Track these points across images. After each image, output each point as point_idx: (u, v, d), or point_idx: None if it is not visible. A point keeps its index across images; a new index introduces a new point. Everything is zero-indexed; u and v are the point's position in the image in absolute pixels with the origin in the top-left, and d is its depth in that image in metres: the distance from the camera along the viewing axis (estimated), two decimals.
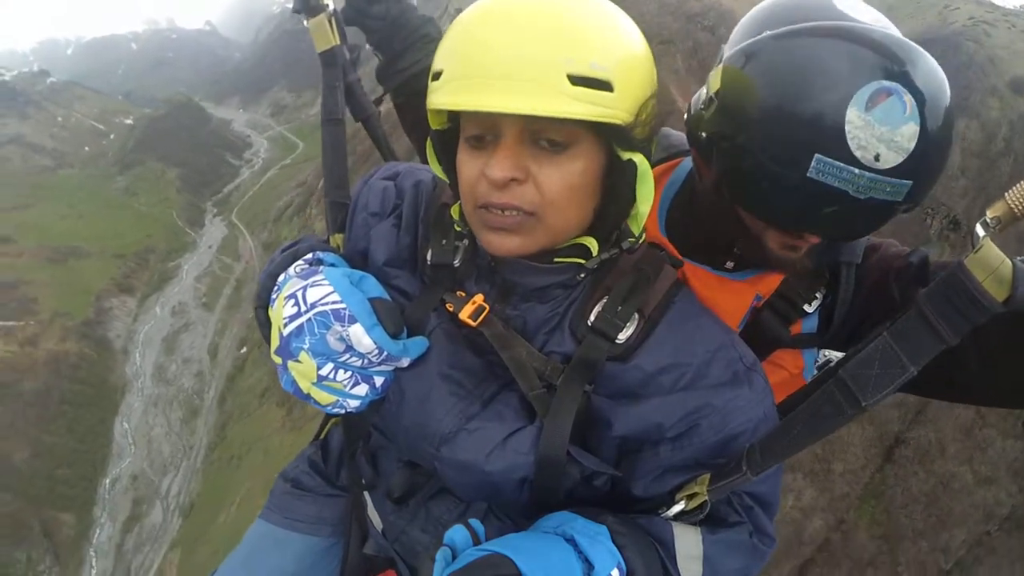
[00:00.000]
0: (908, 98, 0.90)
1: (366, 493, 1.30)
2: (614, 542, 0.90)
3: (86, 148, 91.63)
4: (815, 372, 1.33)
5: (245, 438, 42.50)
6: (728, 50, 1.09)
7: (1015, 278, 0.68)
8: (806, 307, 1.26)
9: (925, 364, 0.91)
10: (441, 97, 0.92)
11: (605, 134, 0.94)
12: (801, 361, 1.32)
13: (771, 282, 1.28)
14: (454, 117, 1.02)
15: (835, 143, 0.91)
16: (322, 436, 1.50)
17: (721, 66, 1.07)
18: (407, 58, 1.53)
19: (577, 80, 0.84)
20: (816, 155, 0.92)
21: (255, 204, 74.64)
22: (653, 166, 1.36)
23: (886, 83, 0.90)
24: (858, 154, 0.90)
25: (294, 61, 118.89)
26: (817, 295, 1.26)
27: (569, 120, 0.88)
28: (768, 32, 1.02)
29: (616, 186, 0.98)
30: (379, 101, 1.55)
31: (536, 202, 0.93)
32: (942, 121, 0.93)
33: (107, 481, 45.05)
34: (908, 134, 0.90)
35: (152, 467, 45.92)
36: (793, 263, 1.17)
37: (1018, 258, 0.70)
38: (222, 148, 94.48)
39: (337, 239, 1.27)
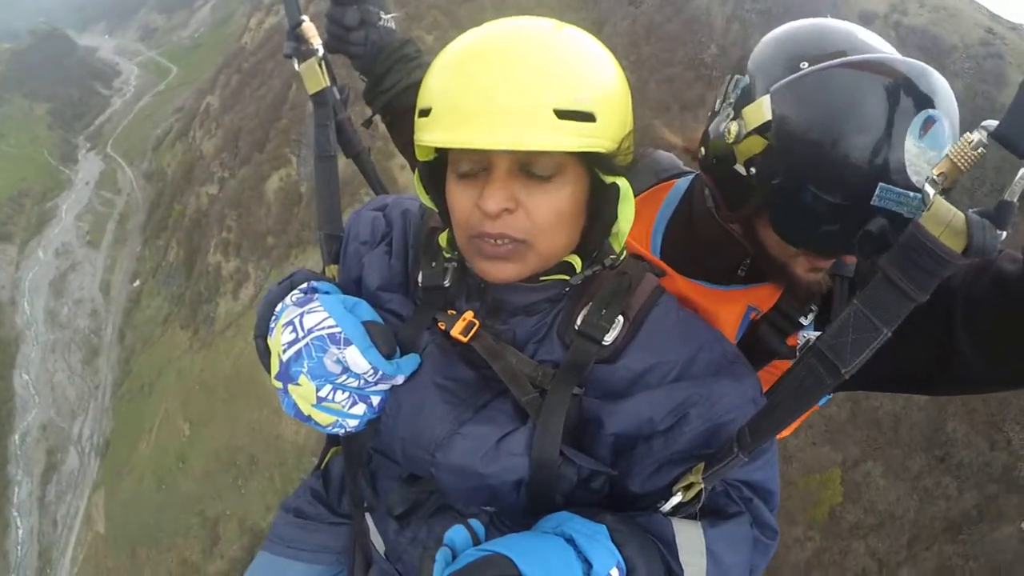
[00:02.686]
0: (946, 122, 1.00)
1: (368, 517, 1.32)
2: (613, 540, 0.91)
3: None
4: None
5: (153, 365, 41.98)
6: (761, 82, 1.11)
7: (969, 227, 0.70)
8: (802, 320, 1.30)
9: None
10: (432, 135, 0.95)
11: (589, 161, 0.99)
12: None
13: (765, 294, 1.32)
14: (442, 149, 1.05)
15: (897, 171, 0.98)
16: (323, 466, 1.53)
17: (766, 102, 1.07)
18: (390, 79, 1.56)
19: (563, 114, 0.89)
20: (880, 184, 0.98)
21: (131, 134, 69.65)
22: (646, 190, 1.49)
23: (931, 111, 0.99)
24: (914, 179, 0.98)
25: None
26: (812, 308, 1.29)
27: (558, 151, 0.94)
28: (809, 66, 1.05)
29: (600, 208, 1.04)
30: (369, 122, 1.62)
31: (528, 229, 0.98)
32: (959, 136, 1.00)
33: (16, 437, 43.65)
34: None
35: (60, 414, 44.63)
36: (816, 284, 1.23)
37: (970, 209, 0.73)
38: (91, 78, 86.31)
39: (332, 270, 1.33)
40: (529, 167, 0.95)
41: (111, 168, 66.46)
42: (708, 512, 1.01)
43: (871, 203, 0.99)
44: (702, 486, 0.97)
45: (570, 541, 0.89)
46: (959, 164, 0.73)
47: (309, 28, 1.43)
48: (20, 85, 79.28)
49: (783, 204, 1.09)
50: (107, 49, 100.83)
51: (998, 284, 1.03)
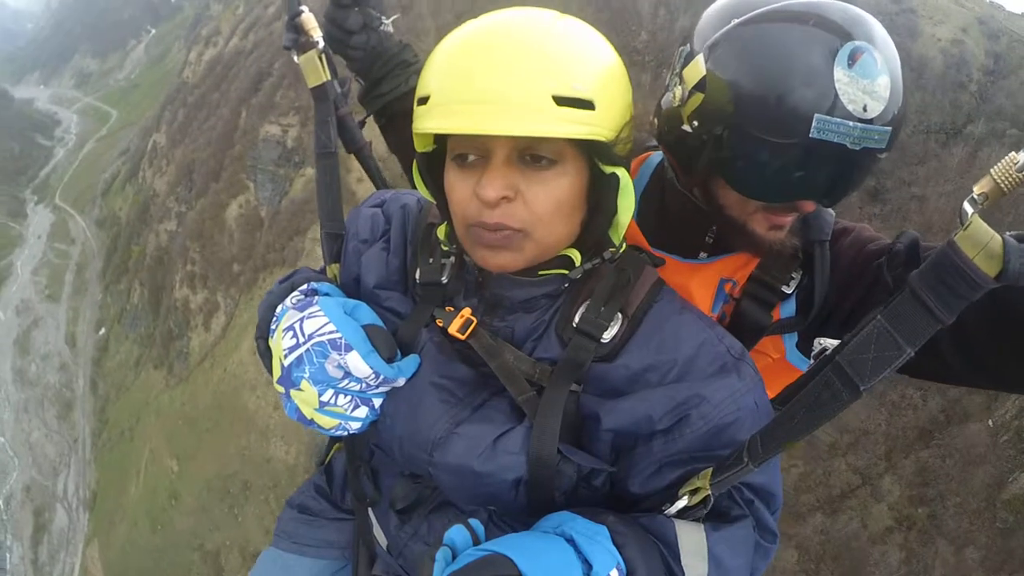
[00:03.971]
0: (877, 54, 1.02)
1: (371, 511, 1.32)
2: (614, 542, 0.89)
3: None
4: (798, 354, 1.37)
5: (131, 410, 41.37)
6: (698, 45, 1.14)
7: (1006, 252, 0.68)
8: (784, 288, 1.28)
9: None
10: (431, 122, 0.95)
11: (589, 150, 0.98)
12: (782, 345, 1.35)
13: (737, 264, 1.32)
14: (440, 139, 1.05)
15: (830, 101, 1.00)
16: (326, 462, 1.53)
17: (700, 59, 1.11)
18: (387, 84, 1.57)
19: (561, 101, 0.89)
20: (816, 115, 1.00)
21: (78, 182, 68.76)
22: None
23: (857, 43, 1.01)
24: (850, 107, 1.00)
25: (94, 23, 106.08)
26: (793, 275, 1.28)
27: (556, 139, 0.94)
28: (736, 20, 1.09)
29: (600, 199, 1.03)
30: (362, 123, 1.59)
31: (526, 219, 0.97)
32: (899, 72, 1.05)
33: (0, 502, 42.71)
34: (883, 84, 1.02)
35: (42, 472, 43.71)
36: (780, 243, 1.23)
37: (1007, 233, 0.70)
38: (31, 130, 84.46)
39: (333, 269, 1.31)
40: (528, 155, 0.96)
41: (62, 219, 65.39)
42: (710, 515, 0.99)
43: (810, 136, 1.02)
44: (709, 492, 0.95)
45: (570, 541, 0.88)
46: (1002, 186, 0.71)
47: (309, 19, 1.38)
48: None
49: (731, 153, 1.11)
50: (44, 99, 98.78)
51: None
